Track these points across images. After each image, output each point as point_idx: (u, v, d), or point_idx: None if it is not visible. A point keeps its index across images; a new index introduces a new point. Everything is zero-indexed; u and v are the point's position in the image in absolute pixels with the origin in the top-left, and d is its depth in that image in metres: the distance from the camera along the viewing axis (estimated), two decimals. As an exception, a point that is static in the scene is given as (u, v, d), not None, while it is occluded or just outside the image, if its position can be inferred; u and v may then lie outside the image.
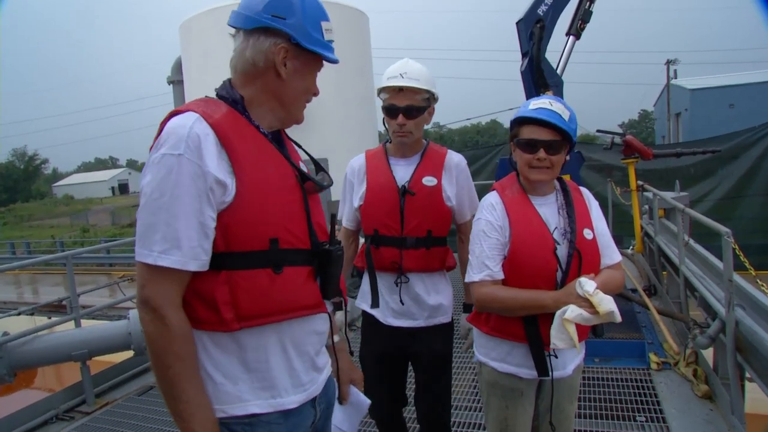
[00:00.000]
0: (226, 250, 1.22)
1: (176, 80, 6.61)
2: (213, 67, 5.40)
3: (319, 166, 1.55)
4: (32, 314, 9.49)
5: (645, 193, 6.73)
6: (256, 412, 1.28)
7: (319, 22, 1.33)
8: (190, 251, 1.16)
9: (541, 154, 1.76)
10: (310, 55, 1.33)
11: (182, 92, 6.27)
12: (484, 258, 1.81)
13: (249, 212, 1.23)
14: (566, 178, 2.02)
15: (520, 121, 1.82)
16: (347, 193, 2.38)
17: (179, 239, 1.15)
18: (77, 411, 4.01)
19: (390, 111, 2.15)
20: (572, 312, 1.63)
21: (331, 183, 1.47)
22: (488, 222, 1.84)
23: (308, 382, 1.36)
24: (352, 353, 1.69)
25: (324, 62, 1.39)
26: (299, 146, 1.52)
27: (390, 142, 2.28)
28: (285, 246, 1.27)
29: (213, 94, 1.39)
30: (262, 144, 1.32)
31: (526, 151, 1.79)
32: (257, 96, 1.34)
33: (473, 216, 2.12)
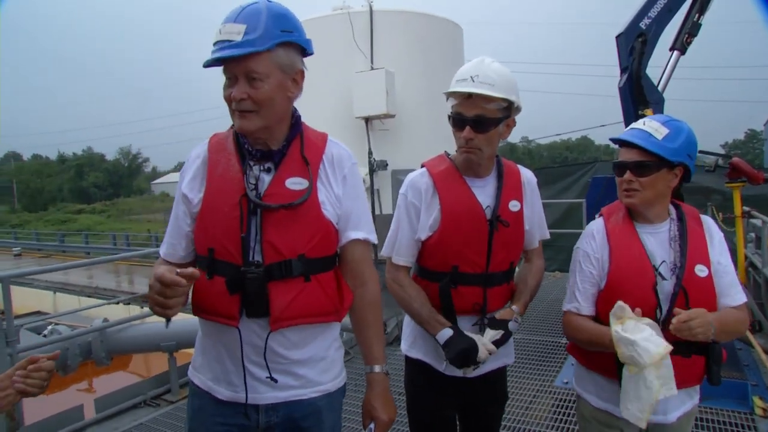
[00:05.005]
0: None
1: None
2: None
3: None
4: (128, 304, 10.21)
5: (752, 220, 6.23)
6: (197, 384, 1.52)
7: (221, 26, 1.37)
8: (169, 246, 1.53)
9: (627, 176, 1.69)
10: None
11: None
12: (575, 290, 1.79)
13: (199, 223, 1.46)
14: None
15: (617, 145, 1.77)
16: (405, 219, 1.87)
17: (166, 237, 1.55)
18: (163, 399, 4.24)
19: (456, 121, 1.74)
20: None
21: (292, 202, 1.40)
22: (585, 253, 1.79)
23: (239, 386, 1.45)
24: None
25: (223, 66, 1.37)
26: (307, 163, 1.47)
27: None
28: (218, 257, 1.43)
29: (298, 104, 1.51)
30: (228, 163, 1.46)
31: (617, 174, 1.73)
32: None
33: (541, 243, 2.01)
